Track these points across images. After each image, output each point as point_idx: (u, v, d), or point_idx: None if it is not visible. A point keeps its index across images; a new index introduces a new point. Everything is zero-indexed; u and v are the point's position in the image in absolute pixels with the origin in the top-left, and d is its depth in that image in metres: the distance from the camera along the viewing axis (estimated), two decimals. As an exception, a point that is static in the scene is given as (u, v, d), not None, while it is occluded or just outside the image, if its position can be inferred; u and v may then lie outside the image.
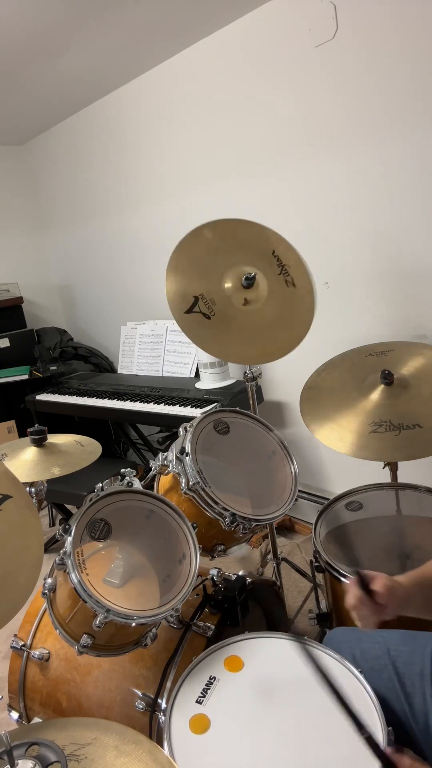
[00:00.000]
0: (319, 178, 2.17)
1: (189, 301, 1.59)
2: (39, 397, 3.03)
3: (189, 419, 1.53)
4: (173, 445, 1.47)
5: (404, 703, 1.03)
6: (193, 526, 1.28)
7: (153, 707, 1.21)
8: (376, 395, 1.60)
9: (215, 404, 2.31)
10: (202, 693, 1.07)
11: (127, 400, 2.63)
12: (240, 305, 1.60)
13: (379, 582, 0.93)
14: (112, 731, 0.83)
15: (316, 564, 1.47)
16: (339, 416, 1.59)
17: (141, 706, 1.21)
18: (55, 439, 1.64)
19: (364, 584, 0.94)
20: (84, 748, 0.80)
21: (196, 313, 1.57)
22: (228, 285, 1.63)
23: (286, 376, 2.62)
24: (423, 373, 1.63)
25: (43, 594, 1.20)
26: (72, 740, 0.81)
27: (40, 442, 1.58)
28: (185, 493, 1.37)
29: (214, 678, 1.10)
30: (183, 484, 1.37)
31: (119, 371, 3.16)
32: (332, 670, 1.07)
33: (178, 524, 1.28)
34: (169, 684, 1.21)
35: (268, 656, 1.14)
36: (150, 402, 2.53)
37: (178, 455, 1.41)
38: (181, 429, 1.50)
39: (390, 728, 0.93)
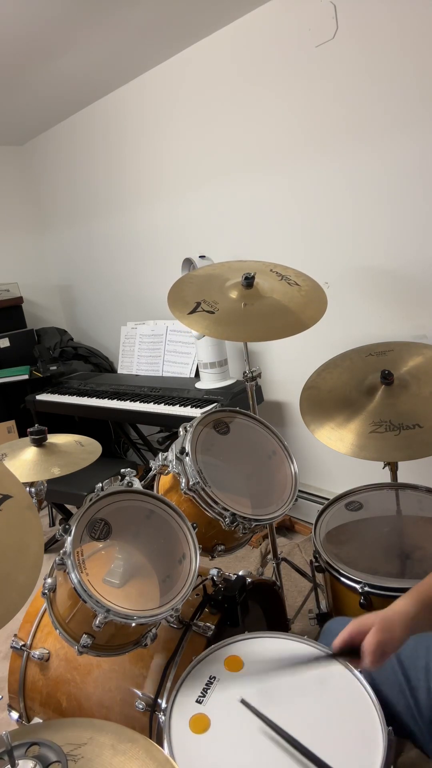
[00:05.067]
0: (319, 178, 2.17)
1: (191, 306, 1.59)
2: (39, 397, 3.03)
3: (189, 419, 1.53)
4: (173, 445, 1.47)
5: (409, 697, 1.02)
6: (193, 526, 1.28)
7: (153, 707, 1.21)
8: (376, 395, 1.60)
9: (215, 404, 2.31)
10: (202, 693, 1.07)
11: (127, 400, 2.63)
12: (243, 305, 1.61)
13: (367, 644, 0.89)
14: (108, 731, 0.83)
15: (316, 564, 1.47)
16: (339, 416, 1.59)
17: (141, 706, 1.21)
18: (55, 439, 1.64)
19: (349, 653, 0.91)
20: (80, 748, 0.80)
21: (200, 312, 1.58)
22: (228, 291, 1.65)
23: (286, 376, 2.62)
24: (423, 373, 1.63)
25: (43, 594, 1.20)
26: (67, 740, 0.81)
27: (40, 442, 1.58)
28: (185, 493, 1.37)
29: (214, 678, 1.10)
30: (183, 484, 1.37)
31: (119, 371, 3.16)
32: (330, 671, 1.07)
33: (178, 524, 1.28)
34: (169, 684, 1.21)
35: (268, 656, 1.14)
36: (150, 402, 2.53)
37: (178, 455, 1.41)
38: (181, 429, 1.50)
39: (390, 728, 0.93)
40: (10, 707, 1.47)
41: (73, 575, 1.09)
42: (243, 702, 1.01)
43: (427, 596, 0.94)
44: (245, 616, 1.35)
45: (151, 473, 1.51)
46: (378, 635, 0.89)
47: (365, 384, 1.65)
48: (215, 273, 1.75)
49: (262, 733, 0.97)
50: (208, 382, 2.52)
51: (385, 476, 1.72)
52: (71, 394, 2.92)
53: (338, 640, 0.93)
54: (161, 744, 0.96)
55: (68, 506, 2.85)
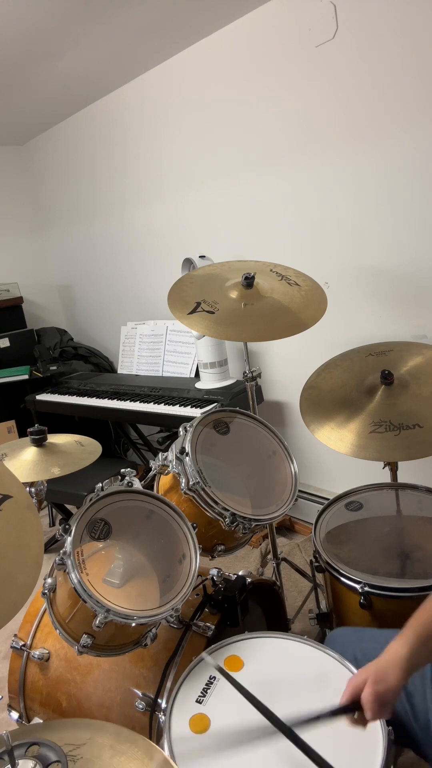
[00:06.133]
0: (319, 178, 2.17)
1: (191, 306, 1.60)
2: (39, 397, 3.03)
3: (189, 419, 1.53)
4: (173, 445, 1.47)
5: (405, 703, 1.03)
6: (193, 526, 1.28)
7: (153, 707, 1.21)
8: (376, 395, 1.60)
9: (215, 404, 2.31)
10: (202, 693, 1.07)
11: (127, 400, 2.63)
12: (243, 305, 1.61)
13: (364, 699, 0.89)
14: (107, 731, 0.84)
15: (316, 564, 1.47)
16: (339, 416, 1.59)
17: (141, 706, 1.21)
18: (55, 439, 1.64)
19: (353, 708, 0.90)
20: (79, 748, 0.80)
21: (200, 312, 1.58)
22: (228, 291, 1.65)
23: (286, 376, 2.62)
24: (423, 373, 1.63)
25: (43, 594, 1.20)
26: (67, 740, 0.82)
27: (40, 442, 1.58)
28: (185, 493, 1.37)
29: (214, 678, 1.10)
30: (183, 484, 1.37)
31: (119, 371, 3.16)
32: (330, 671, 1.07)
33: (178, 524, 1.28)
34: (169, 684, 1.21)
35: (268, 656, 1.15)
36: (150, 402, 2.53)
37: (178, 455, 1.41)
38: (181, 429, 1.50)
39: (390, 728, 0.93)
40: (10, 707, 1.47)
41: (73, 575, 1.09)
42: (219, 669, 1.01)
43: (423, 631, 0.93)
44: (245, 616, 1.35)
45: (151, 473, 1.51)
46: (372, 687, 0.89)
47: (365, 384, 1.65)
48: (215, 273, 1.75)
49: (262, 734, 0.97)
50: (208, 382, 2.52)
51: (385, 476, 1.72)
52: (71, 394, 2.92)
53: (343, 698, 0.93)
54: (161, 744, 0.96)
55: (68, 506, 2.85)
